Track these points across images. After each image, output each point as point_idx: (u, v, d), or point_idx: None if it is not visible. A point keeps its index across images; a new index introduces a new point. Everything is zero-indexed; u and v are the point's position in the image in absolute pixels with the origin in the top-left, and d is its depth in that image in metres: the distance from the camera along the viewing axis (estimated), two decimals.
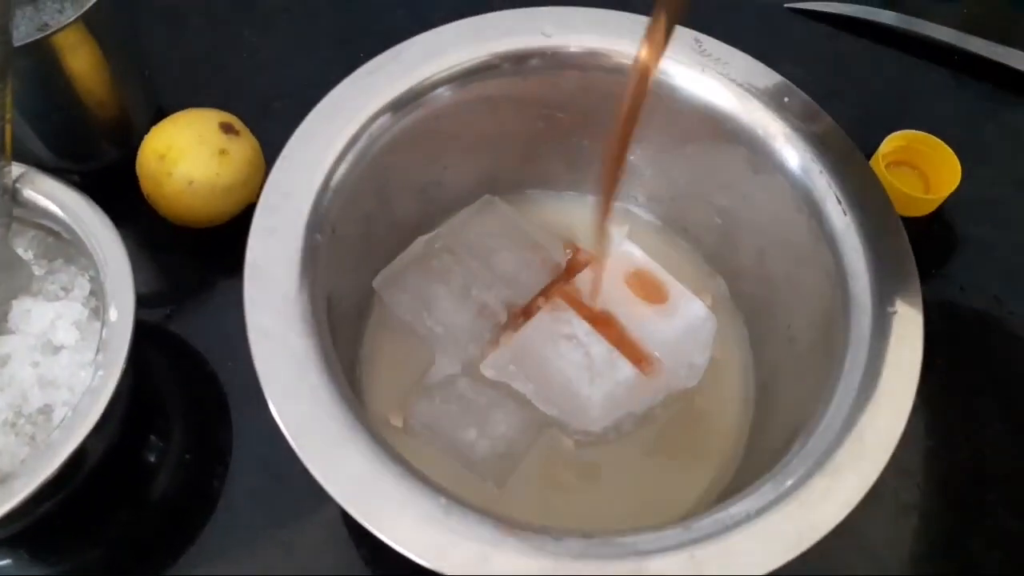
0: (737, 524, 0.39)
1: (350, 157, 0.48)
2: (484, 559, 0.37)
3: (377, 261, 0.55)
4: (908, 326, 0.44)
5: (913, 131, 0.66)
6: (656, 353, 0.54)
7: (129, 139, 0.60)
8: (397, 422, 0.51)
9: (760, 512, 0.39)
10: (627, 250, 0.56)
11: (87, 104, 0.57)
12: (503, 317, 0.55)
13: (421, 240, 0.58)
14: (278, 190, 0.45)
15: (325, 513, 0.52)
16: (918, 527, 0.54)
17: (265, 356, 0.41)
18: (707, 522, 0.39)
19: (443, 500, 0.38)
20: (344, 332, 0.50)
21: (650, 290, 0.55)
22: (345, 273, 0.50)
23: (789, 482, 0.41)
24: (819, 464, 0.41)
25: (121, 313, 0.46)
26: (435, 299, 0.55)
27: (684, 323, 0.54)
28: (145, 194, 0.57)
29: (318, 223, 0.45)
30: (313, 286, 0.43)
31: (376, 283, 0.55)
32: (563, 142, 0.58)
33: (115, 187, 0.58)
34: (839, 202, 0.48)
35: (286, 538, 0.51)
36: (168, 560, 0.50)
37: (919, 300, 0.45)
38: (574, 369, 0.52)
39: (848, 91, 0.72)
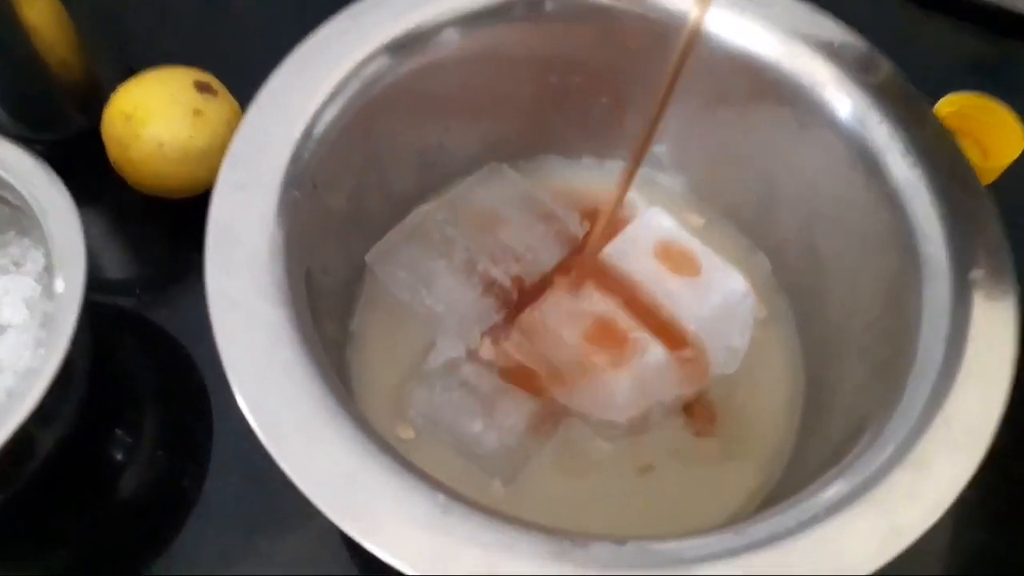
0: (802, 528, 0.32)
1: (338, 103, 0.41)
2: (492, 568, 0.30)
3: (369, 232, 0.48)
4: (996, 292, 0.37)
5: (968, 93, 0.59)
6: (692, 335, 0.47)
7: (98, 105, 0.54)
8: (391, 414, 0.44)
9: (830, 513, 0.32)
10: (655, 219, 0.49)
11: (48, 63, 0.52)
12: (513, 295, 0.48)
13: (420, 210, 0.51)
14: (250, 139, 0.39)
15: (313, 518, 0.44)
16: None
17: (229, 328, 0.34)
18: (764, 526, 0.32)
19: (442, 498, 0.32)
20: (329, 310, 0.43)
21: (681, 262, 0.48)
22: (330, 242, 0.43)
23: (863, 478, 0.33)
24: (899, 456, 0.34)
25: (69, 285, 0.40)
26: (436, 275, 0.48)
27: (720, 299, 0.47)
28: (112, 161, 0.51)
29: (297, 178, 0.39)
30: (289, 251, 0.37)
31: (369, 257, 0.48)
32: (579, 101, 0.52)
33: (83, 159, 0.53)
34: (904, 154, 0.41)
35: (268, 547, 0.45)
36: (135, 570, 0.44)
37: (1008, 261, 0.38)
38: (595, 350, 0.45)
39: (894, 51, 0.65)
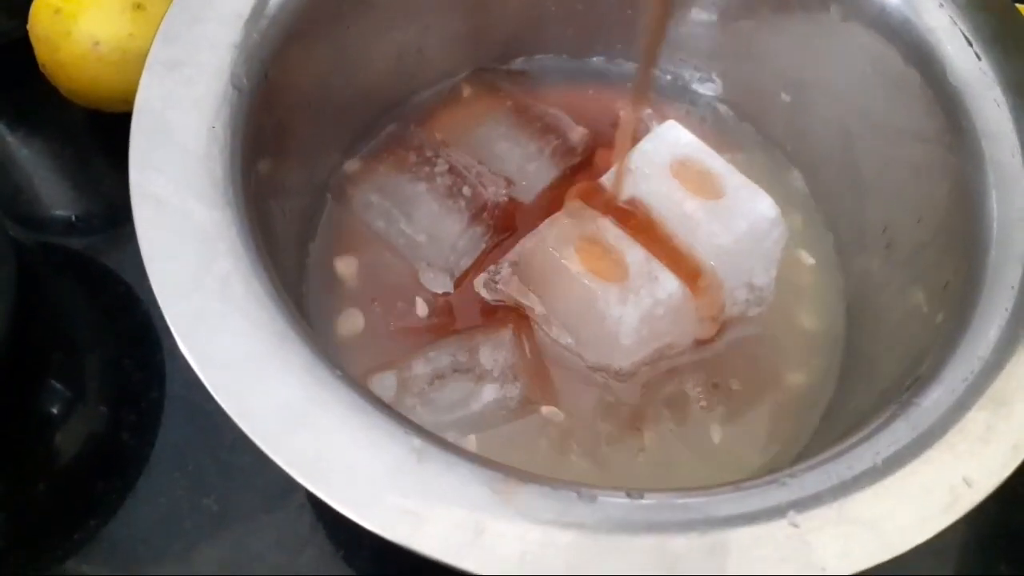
0: (857, 479, 0.26)
1: None
2: (477, 531, 0.24)
3: (334, 145, 0.42)
4: None
5: None
6: (711, 269, 0.41)
7: (28, 6, 0.46)
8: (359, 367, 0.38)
9: (890, 460, 0.26)
10: (672, 132, 0.42)
11: None
12: (504, 221, 0.42)
13: (396, 125, 0.44)
14: (189, 8, 0.32)
15: (271, 472, 0.38)
16: None
17: (155, 232, 0.28)
18: (812, 477, 0.26)
19: (417, 442, 0.25)
20: (283, 233, 0.36)
21: (702, 182, 0.41)
22: (284, 149, 0.36)
23: (929, 418, 0.27)
24: (970, 395, 0.28)
25: None
26: (416, 201, 0.42)
27: (746, 226, 0.40)
28: (41, 65, 0.44)
29: (245, 62, 0.32)
30: (232, 148, 0.30)
31: (335, 180, 0.42)
32: None
33: (13, 70, 0.46)
34: (969, 43, 0.35)
35: (220, 508, 0.39)
36: (71, 538, 0.38)
37: None
38: (599, 283, 0.39)
39: None
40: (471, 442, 0.37)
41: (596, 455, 0.37)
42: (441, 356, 0.38)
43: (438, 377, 0.38)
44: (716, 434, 0.38)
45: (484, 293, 0.41)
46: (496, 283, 0.41)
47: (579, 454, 0.38)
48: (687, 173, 0.41)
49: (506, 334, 0.39)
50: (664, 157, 0.42)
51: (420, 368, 0.38)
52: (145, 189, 0.28)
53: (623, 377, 0.40)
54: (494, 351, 0.39)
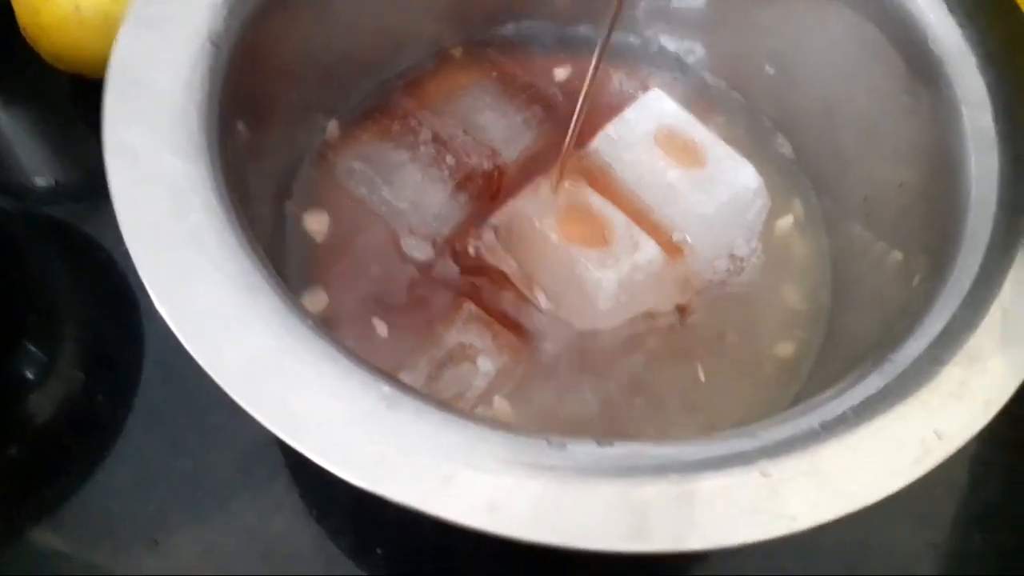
0: (829, 429, 0.26)
1: None
2: (446, 477, 0.24)
3: (316, 110, 0.42)
4: None
5: None
6: (691, 238, 0.41)
7: None
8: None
9: (861, 413, 0.26)
10: (656, 101, 0.42)
11: None
12: (489, 189, 0.42)
13: (380, 92, 0.44)
14: None
15: (246, 432, 0.38)
16: None
17: (128, 185, 0.27)
18: (784, 429, 0.26)
19: (387, 389, 0.25)
20: (261, 196, 0.36)
21: (685, 152, 0.41)
22: (263, 111, 0.36)
23: (900, 373, 0.27)
24: (944, 349, 0.28)
25: None
26: (398, 169, 0.42)
27: (728, 195, 0.41)
28: (21, 29, 0.44)
29: (223, 19, 0.32)
30: (209, 105, 0.30)
31: (316, 145, 0.42)
32: None
33: None
34: (950, 11, 0.35)
35: (194, 469, 0.38)
36: (44, 501, 0.38)
37: None
38: (578, 248, 0.39)
39: None
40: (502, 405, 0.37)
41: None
42: (420, 363, 0.37)
43: (432, 379, 0.37)
44: (694, 394, 0.38)
45: (462, 258, 0.41)
46: (477, 248, 0.41)
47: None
48: (670, 142, 0.42)
49: (468, 307, 0.39)
50: (648, 126, 0.42)
51: (410, 379, 0.37)
52: (118, 142, 0.28)
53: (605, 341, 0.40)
54: (465, 328, 0.39)
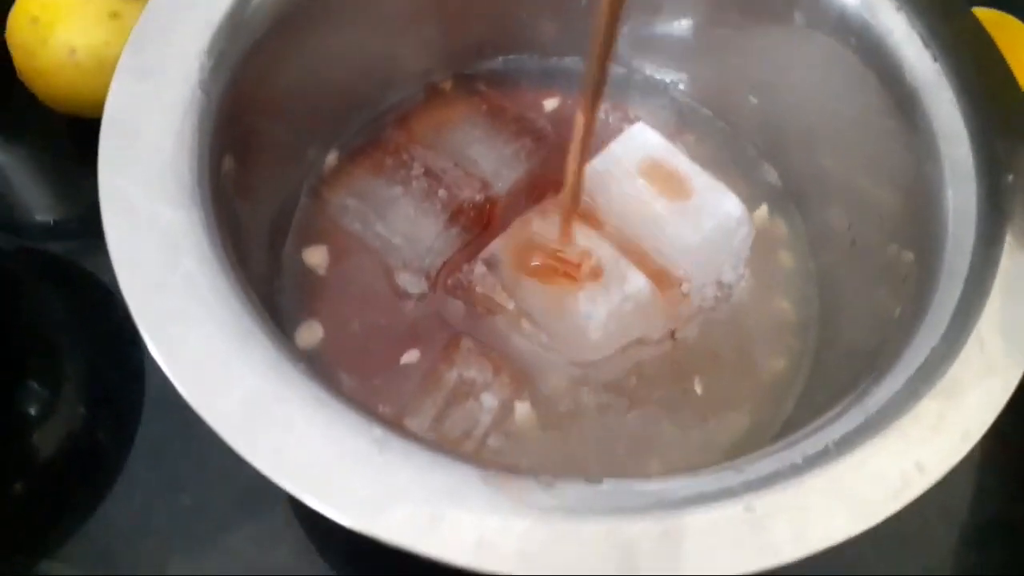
0: (811, 463, 0.27)
1: None
2: (435, 518, 0.25)
3: (308, 147, 0.42)
4: None
5: (986, 9, 0.53)
6: (679, 267, 0.41)
7: (4, 10, 0.47)
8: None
9: (842, 446, 0.27)
10: (641, 134, 0.43)
11: None
12: (480, 222, 0.43)
13: (370, 129, 0.45)
14: (158, 18, 0.32)
15: (249, 475, 0.39)
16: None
17: (123, 234, 0.28)
18: (768, 463, 0.27)
19: (378, 432, 0.26)
20: (256, 235, 0.37)
21: (670, 184, 0.42)
22: (258, 155, 0.37)
23: (880, 407, 0.28)
24: (922, 382, 0.28)
25: None
26: (392, 204, 0.43)
27: (713, 224, 0.41)
28: (18, 72, 0.45)
29: (212, 68, 0.33)
30: (200, 152, 0.31)
31: (309, 182, 0.42)
32: None
33: None
34: (926, 46, 0.36)
35: (195, 504, 0.39)
36: (47, 537, 0.38)
37: None
38: (569, 282, 0.39)
39: None
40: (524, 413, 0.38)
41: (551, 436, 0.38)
42: (424, 407, 0.38)
43: (437, 420, 0.38)
44: (681, 425, 0.39)
45: (454, 291, 0.41)
46: (470, 281, 0.42)
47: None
48: (656, 174, 0.42)
49: (466, 343, 0.40)
50: (633, 159, 0.42)
51: (416, 423, 0.38)
52: (113, 192, 0.29)
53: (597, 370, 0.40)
54: (466, 363, 0.39)
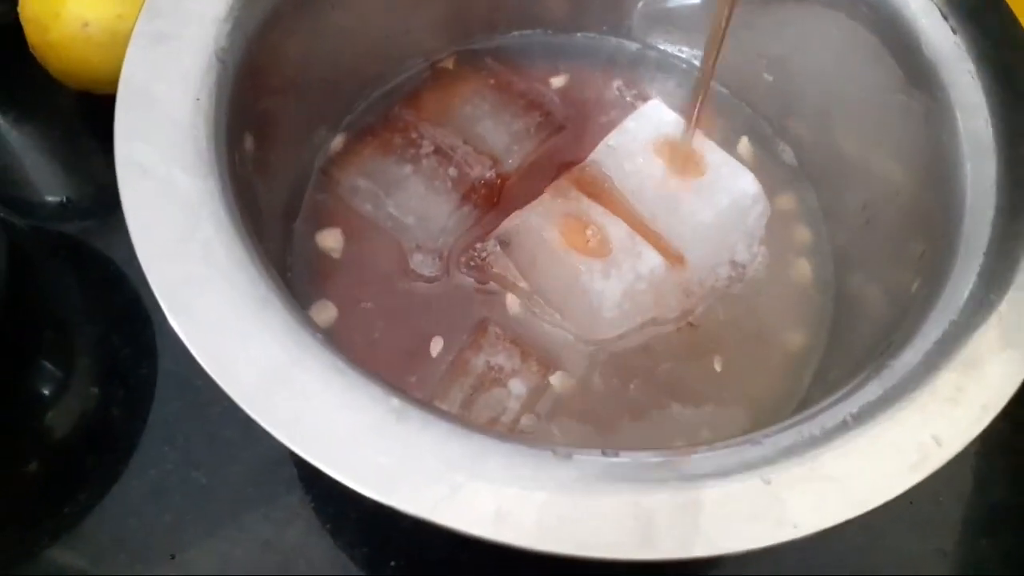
0: (829, 436, 0.26)
1: None
2: (453, 488, 0.24)
3: (319, 123, 0.42)
4: None
5: None
6: (688, 243, 0.41)
7: None
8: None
9: (861, 419, 0.27)
10: (656, 111, 0.43)
11: None
12: (492, 199, 0.42)
13: (380, 105, 0.45)
14: None
15: (259, 445, 0.39)
16: None
17: (139, 201, 0.28)
18: (786, 436, 0.27)
19: (396, 402, 0.26)
20: (269, 210, 0.37)
21: (684, 160, 0.42)
22: (272, 128, 0.37)
23: (898, 380, 0.28)
24: (941, 355, 0.28)
25: None
26: (403, 184, 0.43)
27: (728, 201, 0.41)
28: (31, 47, 0.45)
29: (228, 35, 0.32)
30: (217, 119, 0.31)
31: (320, 162, 0.42)
32: None
33: (4, 52, 0.46)
34: (944, 18, 0.35)
35: (209, 481, 0.39)
36: (62, 515, 0.38)
37: None
38: (582, 258, 0.39)
39: None
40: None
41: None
42: (451, 393, 0.38)
43: (465, 406, 0.38)
44: (695, 403, 0.39)
45: (468, 271, 0.41)
46: (483, 260, 0.41)
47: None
48: (670, 152, 0.42)
49: (492, 330, 0.40)
50: (647, 136, 0.42)
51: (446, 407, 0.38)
52: (130, 158, 0.29)
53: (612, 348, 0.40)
54: (493, 350, 0.39)
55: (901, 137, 0.37)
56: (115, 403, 0.41)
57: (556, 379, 0.39)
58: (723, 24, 0.32)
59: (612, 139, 0.42)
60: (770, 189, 0.42)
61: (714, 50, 0.34)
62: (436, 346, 0.39)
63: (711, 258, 0.42)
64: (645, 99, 0.45)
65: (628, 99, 0.46)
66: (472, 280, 0.41)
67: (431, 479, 0.25)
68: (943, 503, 0.41)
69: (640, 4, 0.45)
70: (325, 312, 0.40)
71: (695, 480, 0.25)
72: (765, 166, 0.43)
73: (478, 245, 0.42)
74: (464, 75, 0.46)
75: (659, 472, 0.26)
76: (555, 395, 0.38)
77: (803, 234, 0.43)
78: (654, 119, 0.43)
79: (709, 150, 0.41)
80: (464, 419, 0.27)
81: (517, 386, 0.38)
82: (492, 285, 0.41)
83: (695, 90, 0.36)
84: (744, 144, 0.45)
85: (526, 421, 0.38)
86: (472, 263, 0.41)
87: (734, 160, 0.41)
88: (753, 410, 0.38)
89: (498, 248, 0.41)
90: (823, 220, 0.43)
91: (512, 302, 0.41)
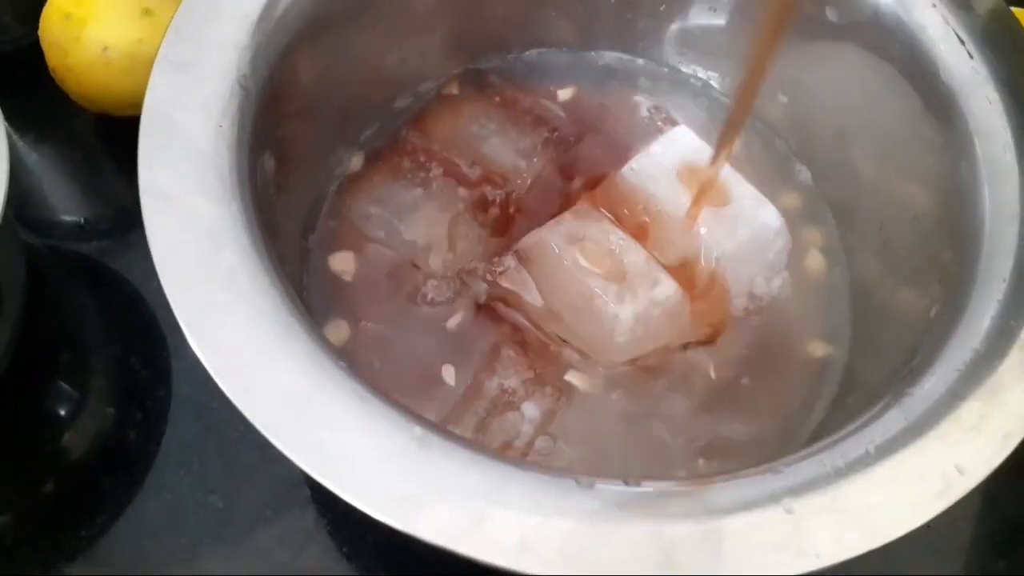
0: (851, 465, 0.26)
1: None
2: (476, 517, 0.24)
3: (335, 145, 0.43)
4: None
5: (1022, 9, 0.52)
6: (711, 275, 0.41)
7: (39, 13, 0.47)
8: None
9: (883, 448, 0.27)
10: (682, 137, 0.43)
11: None
12: (504, 218, 0.43)
13: (390, 128, 0.45)
14: (196, 11, 0.33)
15: (275, 468, 0.39)
16: None
17: (163, 228, 0.28)
18: (807, 465, 0.27)
19: (418, 430, 0.26)
20: (286, 231, 0.37)
21: (708, 190, 0.41)
22: (290, 151, 0.37)
23: (920, 408, 0.28)
24: (963, 384, 0.28)
25: None
26: (413, 208, 0.43)
27: (748, 233, 0.41)
28: (51, 71, 0.45)
29: (250, 62, 0.33)
30: (239, 145, 0.31)
31: (333, 187, 0.42)
32: None
33: (25, 75, 0.47)
34: (962, 42, 0.35)
35: (226, 505, 0.39)
36: (78, 536, 0.38)
37: None
38: (598, 280, 0.39)
39: None
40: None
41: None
42: (465, 418, 0.38)
43: (479, 431, 0.38)
44: (720, 420, 0.38)
45: (482, 288, 0.41)
46: (500, 274, 0.41)
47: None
48: (693, 179, 0.42)
49: (505, 353, 0.40)
50: (671, 161, 0.42)
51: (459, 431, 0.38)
52: (153, 186, 0.29)
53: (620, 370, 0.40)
54: (506, 373, 0.39)
55: (918, 161, 0.37)
56: (131, 425, 0.41)
57: (569, 401, 0.39)
58: (764, 63, 0.32)
59: (636, 162, 0.42)
60: (785, 209, 0.42)
61: (753, 88, 0.33)
62: (448, 373, 0.39)
63: (729, 287, 0.41)
64: (657, 115, 0.45)
65: (650, 116, 0.46)
66: (484, 300, 0.41)
67: (454, 508, 0.25)
68: (959, 527, 0.41)
69: (658, 24, 0.46)
70: (337, 333, 0.40)
71: (717, 510, 0.25)
72: (781, 185, 0.43)
73: (495, 260, 0.42)
74: (470, 94, 0.46)
75: (681, 501, 0.26)
76: (568, 417, 0.38)
77: (819, 256, 0.43)
78: (680, 145, 0.42)
79: (734, 181, 0.41)
80: (483, 446, 0.26)
81: (530, 409, 0.38)
82: (503, 308, 0.41)
83: (727, 127, 0.36)
84: (758, 162, 0.45)
85: (541, 443, 0.38)
86: (488, 277, 0.41)
87: (758, 193, 0.41)
88: (769, 435, 0.38)
89: (515, 264, 0.41)
90: (839, 241, 0.43)
91: (525, 325, 0.41)
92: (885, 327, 0.38)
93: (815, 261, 0.43)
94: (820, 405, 0.39)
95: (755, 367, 0.40)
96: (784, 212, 0.41)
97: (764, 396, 0.39)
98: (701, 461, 0.37)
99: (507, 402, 0.38)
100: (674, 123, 0.45)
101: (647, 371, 0.40)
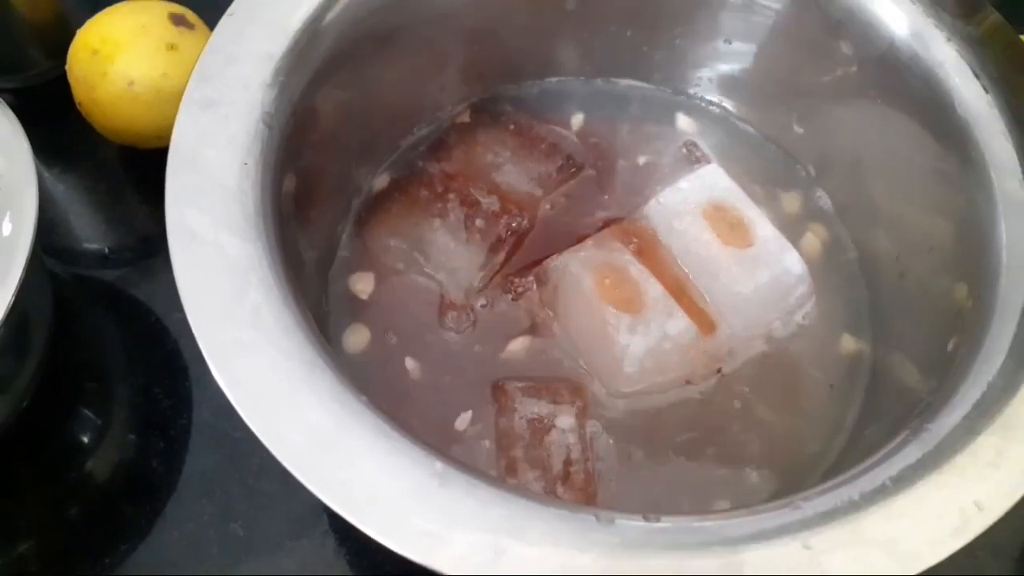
0: (869, 500, 0.27)
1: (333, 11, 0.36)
2: (497, 552, 0.25)
3: (355, 177, 0.43)
4: None
5: None
6: (726, 315, 0.41)
7: (68, 47, 0.48)
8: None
9: (900, 483, 0.27)
10: (712, 176, 0.43)
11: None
12: (520, 245, 0.43)
13: (407, 158, 0.46)
14: (221, 50, 0.33)
15: (296, 499, 0.39)
16: None
17: (190, 265, 0.29)
18: (825, 499, 0.27)
19: (439, 466, 0.26)
20: (309, 263, 0.38)
21: (733, 229, 0.42)
22: (312, 186, 0.38)
23: (937, 443, 0.28)
24: (981, 418, 0.28)
25: (18, 226, 0.35)
26: (432, 239, 0.43)
27: (768, 277, 0.41)
28: (78, 104, 0.46)
29: (274, 100, 0.33)
30: (264, 182, 0.32)
31: (350, 218, 0.43)
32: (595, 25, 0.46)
33: (52, 108, 0.48)
34: (976, 76, 0.36)
35: (247, 534, 0.39)
36: (101, 563, 0.39)
37: None
38: (613, 309, 0.39)
39: None
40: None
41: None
42: (520, 467, 0.38)
43: (531, 467, 0.38)
44: (734, 454, 0.39)
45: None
46: (519, 294, 0.42)
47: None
48: (720, 218, 0.42)
49: (512, 386, 0.40)
50: (699, 199, 0.42)
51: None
52: (181, 224, 0.29)
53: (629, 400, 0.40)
54: (524, 403, 0.39)
55: (934, 193, 0.37)
56: (154, 453, 0.42)
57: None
58: None
59: (664, 196, 0.43)
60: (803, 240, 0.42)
61: None
62: (463, 420, 0.39)
63: (745, 330, 0.41)
64: (694, 150, 0.46)
65: (672, 143, 0.47)
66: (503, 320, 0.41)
67: (475, 543, 0.25)
68: (982, 560, 0.41)
69: (688, 57, 0.46)
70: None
71: (736, 544, 0.26)
72: (802, 211, 0.43)
73: (515, 280, 0.42)
74: (484, 124, 0.46)
75: (701, 537, 0.26)
76: (599, 403, 0.39)
77: (835, 288, 0.43)
78: (709, 183, 0.43)
79: (760, 224, 0.41)
80: (505, 483, 0.27)
81: (564, 420, 0.38)
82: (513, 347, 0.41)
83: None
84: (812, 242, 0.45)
85: (591, 429, 0.38)
86: (508, 291, 0.42)
87: (783, 238, 0.41)
88: (784, 471, 0.38)
89: (534, 285, 0.42)
90: (859, 269, 0.43)
91: (540, 345, 0.41)
92: (902, 359, 0.38)
93: (832, 292, 0.43)
94: (839, 438, 0.39)
95: (769, 397, 0.40)
96: (800, 241, 0.41)
97: (779, 428, 0.39)
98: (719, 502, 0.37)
99: (541, 428, 0.38)
100: (707, 160, 0.46)
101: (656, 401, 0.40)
